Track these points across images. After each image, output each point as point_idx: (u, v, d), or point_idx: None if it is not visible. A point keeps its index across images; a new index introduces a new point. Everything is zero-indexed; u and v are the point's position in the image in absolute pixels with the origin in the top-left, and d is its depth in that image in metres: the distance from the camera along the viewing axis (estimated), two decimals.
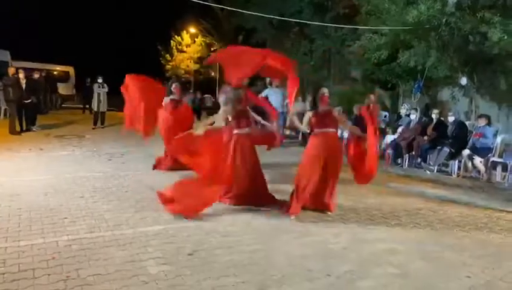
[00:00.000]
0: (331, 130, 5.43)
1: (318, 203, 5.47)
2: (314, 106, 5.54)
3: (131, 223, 4.76)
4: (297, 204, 5.28)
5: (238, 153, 5.64)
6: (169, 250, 4.03)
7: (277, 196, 5.89)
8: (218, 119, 5.93)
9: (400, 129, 10.37)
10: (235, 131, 5.74)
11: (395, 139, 10.02)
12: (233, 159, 5.60)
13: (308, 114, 5.54)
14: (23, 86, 12.09)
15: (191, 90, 21.30)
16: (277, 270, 3.74)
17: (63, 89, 22.32)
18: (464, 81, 10.74)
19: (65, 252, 3.85)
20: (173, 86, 7.92)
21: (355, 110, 11.35)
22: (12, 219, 4.68)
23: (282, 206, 5.49)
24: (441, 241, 4.72)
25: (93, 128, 13.61)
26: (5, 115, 14.05)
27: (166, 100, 7.65)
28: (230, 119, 5.78)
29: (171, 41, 28.59)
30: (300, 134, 12.07)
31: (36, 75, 13.77)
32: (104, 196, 5.83)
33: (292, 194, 5.41)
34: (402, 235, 4.87)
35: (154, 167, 7.70)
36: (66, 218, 4.80)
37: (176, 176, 6.94)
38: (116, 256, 3.82)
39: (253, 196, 5.67)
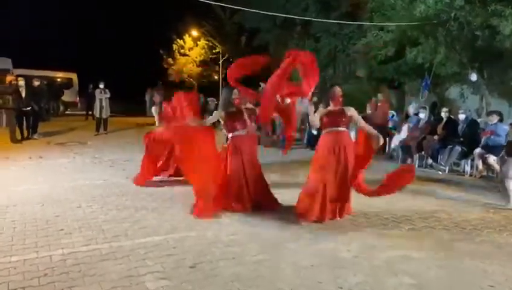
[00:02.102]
0: (342, 128, 5.19)
1: (335, 208, 5.22)
2: (324, 104, 5.33)
3: (130, 234, 4.52)
4: (312, 211, 5.03)
5: (234, 157, 5.42)
6: (170, 263, 3.78)
7: (281, 199, 5.67)
8: (209, 122, 5.74)
9: (404, 128, 10.11)
10: (229, 135, 5.52)
11: (403, 139, 9.74)
12: (230, 164, 5.38)
13: (321, 110, 5.31)
14: (23, 93, 11.91)
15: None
16: (284, 283, 3.48)
17: (66, 95, 22.22)
18: (474, 77, 10.44)
19: (58, 268, 3.61)
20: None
21: (368, 109, 11.18)
22: (6, 232, 4.46)
23: (302, 212, 5.17)
24: (458, 246, 4.44)
25: (96, 135, 13.43)
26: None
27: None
28: (222, 123, 5.57)
29: (173, 45, 28.41)
30: (306, 137, 11.81)
31: (36, 83, 13.59)
32: (103, 205, 5.60)
33: (304, 198, 5.13)
34: (416, 240, 4.59)
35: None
36: (61, 230, 4.57)
37: (177, 184, 6.78)
38: (113, 271, 3.58)
39: (254, 200, 5.43)
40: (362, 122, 5.40)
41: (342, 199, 5.24)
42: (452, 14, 8.98)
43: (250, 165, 5.46)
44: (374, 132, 5.28)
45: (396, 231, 4.90)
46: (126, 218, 5.06)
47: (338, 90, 5.29)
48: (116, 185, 6.76)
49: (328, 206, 5.08)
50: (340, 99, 5.27)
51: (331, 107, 5.25)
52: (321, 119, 5.28)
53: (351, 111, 5.28)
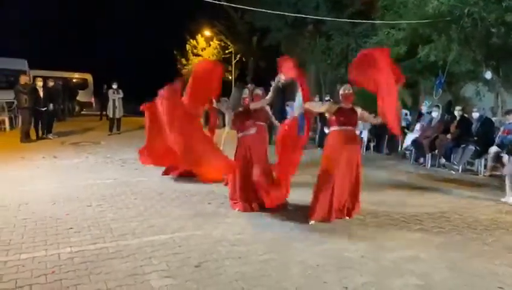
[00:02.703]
0: (350, 128, 5.14)
1: (343, 208, 5.17)
2: (334, 101, 5.31)
3: (138, 232, 4.56)
4: (320, 209, 5.00)
5: (243, 156, 5.43)
6: (175, 261, 3.80)
7: (289, 198, 5.63)
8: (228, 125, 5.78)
9: (417, 127, 9.97)
10: (239, 134, 5.52)
11: (416, 138, 9.61)
12: (238, 163, 5.39)
13: (331, 104, 5.26)
14: (41, 94, 12.14)
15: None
16: (289, 282, 3.47)
17: (81, 96, 22.54)
18: (488, 75, 10.24)
19: (66, 266, 3.66)
20: None
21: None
22: (17, 230, 4.53)
23: (313, 210, 5.10)
24: (468, 247, 4.37)
25: (109, 135, 13.58)
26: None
27: None
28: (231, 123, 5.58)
29: (187, 45, 28.54)
30: (317, 135, 11.73)
31: (51, 83, 13.83)
32: (113, 204, 5.66)
33: (315, 197, 5.10)
34: (425, 241, 4.53)
35: (164, 173, 7.52)
36: (71, 228, 4.63)
37: (186, 183, 6.82)
38: (119, 269, 3.61)
39: (261, 200, 5.41)
40: (371, 119, 5.37)
41: (350, 199, 5.19)
42: (466, 10, 8.80)
43: (258, 164, 5.44)
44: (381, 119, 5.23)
45: (405, 232, 4.83)
46: (134, 217, 5.10)
47: (348, 87, 5.21)
48: (126, 184, 6.82)
49: (335, 205, 5.04)
50: (351, 97, 5.21)
51: (342, 105, 5.19)
52: (330, 114, 5.18)
53: (359, 109, 5.23)
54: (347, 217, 5.17)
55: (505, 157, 7.82)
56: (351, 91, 5.19)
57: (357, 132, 5.37)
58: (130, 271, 3.58)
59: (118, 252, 4.00)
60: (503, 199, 6.29)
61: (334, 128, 5.18)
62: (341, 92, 5.23)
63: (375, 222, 5.12)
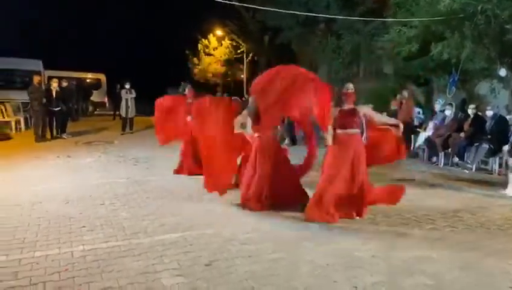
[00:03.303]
0: (354, 131, 5.07)
1: (348, 210, 5.15)
2: (338, 103, 5.23)
3: (149, 231, 4.61)
4: (321, 213, 4.98)
5: (261, 156, 5.44)
6: (186, 260, 3.84)
7: None
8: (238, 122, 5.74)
9: (430, 125, 9.87)
10: (256, 134, 5.54)
11: (429, 137, 9.52)
12: (254, 162, 5.41)
13: (333, 109, 5.21)
14: (54, 94, 12.33)
15: (219, 93, 21.26)
16: (299, 281, 3.47)
17: (95, 96, 22.79)
18: (503, 72, 10.08)
19: (79, 264, 3.72)
20: (186, 90, 8.03)
21: (393, 106, 11.03)
22: (31, 228, 4.62)
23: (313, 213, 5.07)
24: (481, 247, 4.32)
25: (122, 134, 13.72)
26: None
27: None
28: (249, 122, 5.58)
29: (199, 44, 28.67)
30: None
31: (65, 84, 14.03)
32: (125, 202, 5.72)
33: (316, 200, 5.08)
34: (437, 241, 4.49)
35: (176, 172, 7.58)
36: (84, 227, 4.70)
37: (198, 182, 6.84)
38: (130, 267, 3.66)
39: (279, 197, 5.42)
40: (378, 117, 5.31)
41: (355, 202, 5.13)
42: (479, 8, 8.67)
43: (274, 162, 5.45)
44: (393, 120, 5.19)
45: (417, 231, 4.80)
46: (146, 215, 5.15)
47: (349, 86, 5.16)
48: (138, 183, 6.90)
49: (337, 207, 5.01)
50: (353, 97, 5.15)
51: (343, 106, 5.14)
52: (334, 119, 5.11)
53: (364, 109, 5.17)
54: (357, 217, 5.15)
55: None
56: (352, 90, 5.13)
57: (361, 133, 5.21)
58: (141, 269, 3.63)
59: (129, 250, 4.05)
60: (503, 191, 6.50)
61: (335, 132, 5.13)
62: (343, 90, 5.18)
63: (386, 221, 5.09)
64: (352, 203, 5.12)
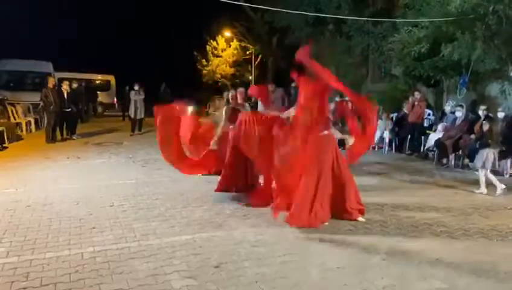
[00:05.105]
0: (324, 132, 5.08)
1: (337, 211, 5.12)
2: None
3: (159, 232, 4.61)
4: (302, 216, 4.90)
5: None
6: (195, 262, 3.83)
7: None
8: None
9: (440, 127, 9.79)
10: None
11: (439, 138, 9.43)
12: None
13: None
14: (65, 96, 12.45)
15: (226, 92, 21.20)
16: (309, 284, 3.45)
17: (104, 97, 22.98)
18: None
19: (89, 265, 3.74)
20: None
21: (405, 108, 11.01)
22: (42, 230, 4.65)
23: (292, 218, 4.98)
24: (493, 251, 4.26)
25: (131, 135, 13.79)
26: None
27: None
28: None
29: (207, 46, 28.72)
30: None
31: (75, 85, 14.16)
32: (134, 204, 5.74)
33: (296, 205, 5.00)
34: (449, 244, 4.44)
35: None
36: (94, 228, 4.72)
37: (207, 183, 6.86)
38: (140, 269, 3.66)
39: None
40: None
41: (338, 202, 5.10)
42: (490, 8, 8.56)
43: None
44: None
45: (428, 234, 4.75)
46: (156, 217, 5.16)
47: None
48: (147, 184, 6.91)
49: (320, 211, 4.93)
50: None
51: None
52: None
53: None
54: (360, 217, 5.11)
55: None
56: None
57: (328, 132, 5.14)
58: (151, 271, 3.63)
59: (139, 252, 4.05)
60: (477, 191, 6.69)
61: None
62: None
63: (396, 224, 5.05)
64: (334, 205, 5.09)
